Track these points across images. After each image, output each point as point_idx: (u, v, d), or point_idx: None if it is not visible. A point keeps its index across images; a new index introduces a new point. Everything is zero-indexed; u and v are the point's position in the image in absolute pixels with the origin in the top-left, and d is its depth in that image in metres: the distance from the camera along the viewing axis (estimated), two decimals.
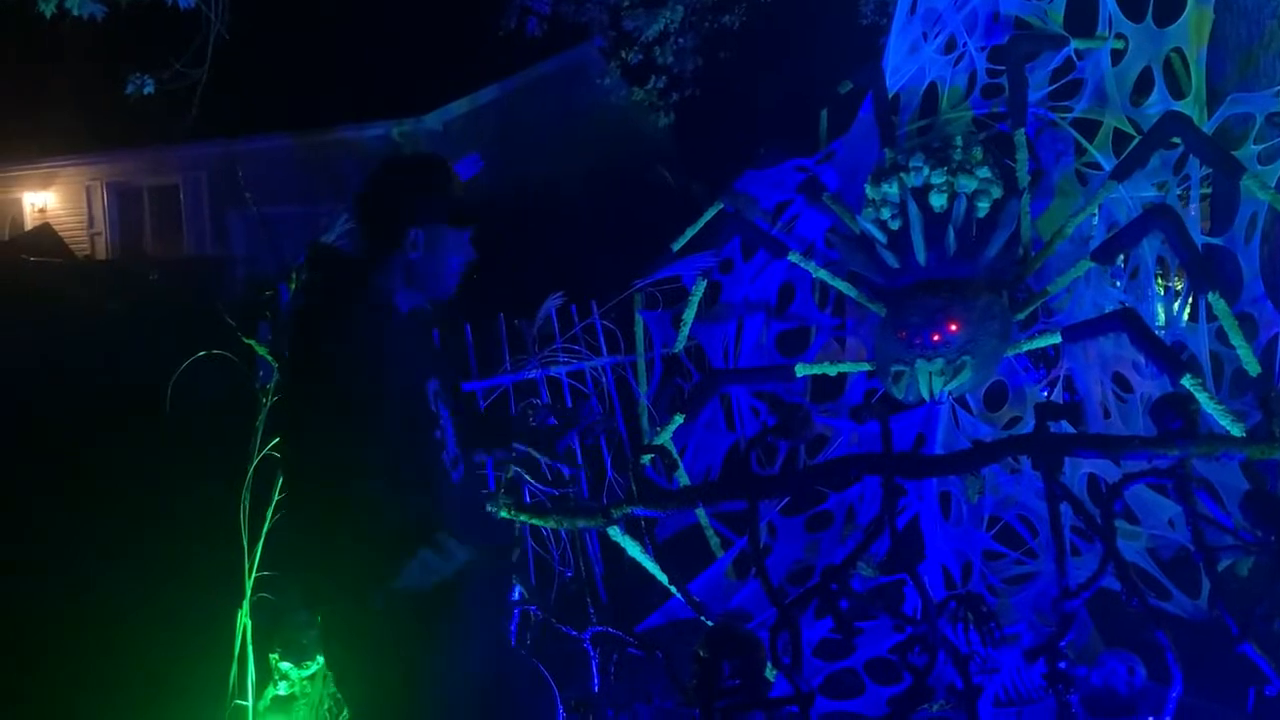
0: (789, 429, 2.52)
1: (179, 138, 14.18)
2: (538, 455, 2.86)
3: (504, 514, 2.91)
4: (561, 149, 14.49)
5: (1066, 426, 4.04)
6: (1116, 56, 4.68)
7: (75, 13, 6.64)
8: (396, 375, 2.46)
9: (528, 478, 3.18)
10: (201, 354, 3.55)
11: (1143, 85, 4.74)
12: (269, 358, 3.39)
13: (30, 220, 17.42)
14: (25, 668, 4.37)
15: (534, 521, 2.96)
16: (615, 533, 3.18)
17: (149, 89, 8.60)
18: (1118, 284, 4.95)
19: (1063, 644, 2.25)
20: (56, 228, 16.30)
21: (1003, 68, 4.64)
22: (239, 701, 3.23)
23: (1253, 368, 3.93)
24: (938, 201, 4.24)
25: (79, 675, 4.25)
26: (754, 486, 2.39)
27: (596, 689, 2.90)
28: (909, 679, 2.36)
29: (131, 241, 17.15)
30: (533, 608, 3.04)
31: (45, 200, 17.73)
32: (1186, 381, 3.68)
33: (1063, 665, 2.23)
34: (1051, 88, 4.75)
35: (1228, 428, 3.61)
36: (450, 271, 2.58)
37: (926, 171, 4.24)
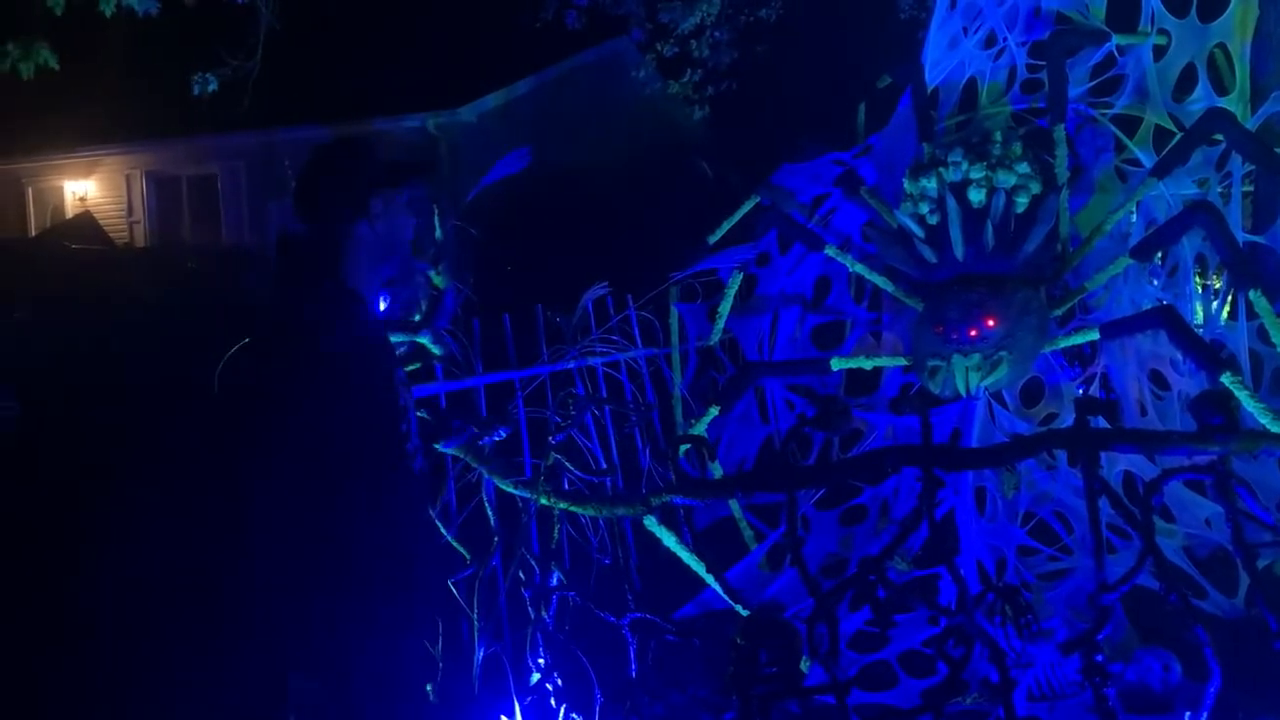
0: (827, 421, 2.54)
1: (218, 127, 14.34)
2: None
3: (544, 500, 2.95)
4: (597, 142, 14.52)
5: (1103, 423, 4.04)
6: (1159, 52, 4.65)
7: (139, 11, 6.78)
8: (374, 363, 2.56)
9: (568, 465, 3.22)
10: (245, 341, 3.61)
11: (1185, 81, 4.71)
12: None
13: (71, 208, 17.68)
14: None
15: (573, 509, 3.00)
16: (651, 522, 3.21)
17: (213, 87, 8.75)
18: (1155, 282, 4.93)
19: (1099, 638, 2.26)
20: (96, 215, 16.52)
21: (1043, 63, 4.62)
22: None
23: None
24: (976, 197, 4.24)
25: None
26: (792, 477, 2.41)
27: (634, 675, 2.94)
28: (944, 671, 2.38)
29: (170, 230, 17.36)
30: (571, 593, 3.09)
31: (86, 188, 17.99)
32: (1226, 379, 3.67)
33: (1099, 659, 2.25)
34: (1092, 83, 4.73)
35: (1268, 425, 3.59)
36: (404, 236, 2.70)
37: (965, 166, 4.24)
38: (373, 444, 2.50)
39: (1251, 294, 3.94)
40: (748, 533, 4.82)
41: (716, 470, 4.72)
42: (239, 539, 2.55)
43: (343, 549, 2.54)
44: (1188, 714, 2.78)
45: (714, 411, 4.54)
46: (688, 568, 3.43)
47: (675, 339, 5.22)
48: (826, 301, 5.20)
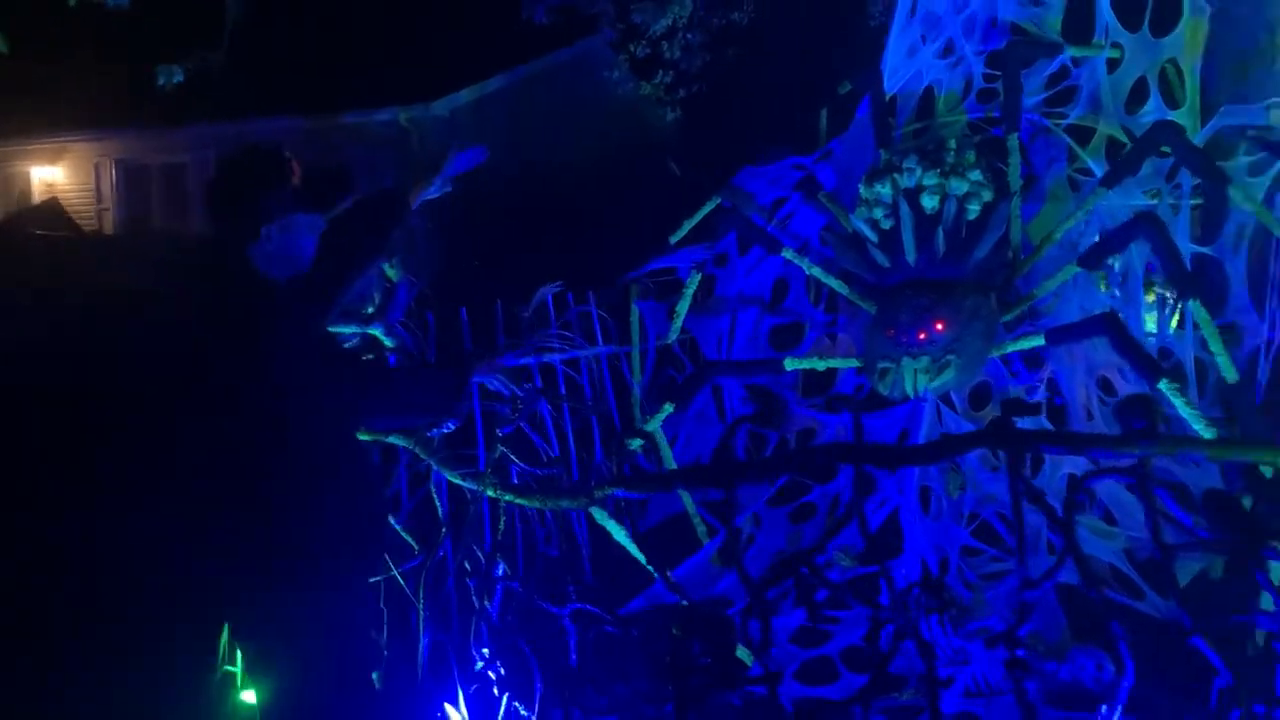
0: (767, 418, 2.60)
1: (189, 117, 14.27)
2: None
3: (490, 493, 3.00)
4: (567, 140, 14.56)
5: (1048, 425, 4.13)
6: (1112, 65, 4.74)
7: (110, 4, 6.76)
8: (297, 361, 2.62)
9: (514, 458, 3.27)
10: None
11: (1138, 94, 4.81)
12: None
13: (38, 195, 17.51)
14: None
15: (519, 501, 3.05)
16: (601, 515, 3.26)
17: (178, 79, 8.73)
18: (1115, 291, 5.02)
19: (1023, 634, 2.33)
20: (64, 203, 16.36)
21: (999, 73, 4.71)
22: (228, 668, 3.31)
23: (1230, 374, 4.00)
24: (929, 203, 4.32)
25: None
26: (730, 472, 2.47)
27: (574, 663, 2.99)
28: (874, 665, 2.45)
29: (139, 219, 17.24)
30: (514, 583, 3.13)
31: (54, 175, 17.82)
32: (1164, 386, 3.76)
33: (1021, 653, 2.32)
34: (1046, 94, 4.82)
35: (1200, 432, 3.68)
36: (304, 252, 2.75)
37: (919, 173, 4.32)
38: (304, 438, 2.56)
39: (1191, 304, 4.03)
40: (701, 528, 4.88)
41: (671, 467, 4.77)
42: (179, 531, 2.58)
43: (280, 540, 2.58)
44: (1103, 708, 2.85)
45: (669, 408, 4.59)
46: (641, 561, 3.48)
47: (635, 337, 5.27)
48: (784, 303, 5.27)
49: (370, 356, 3.33)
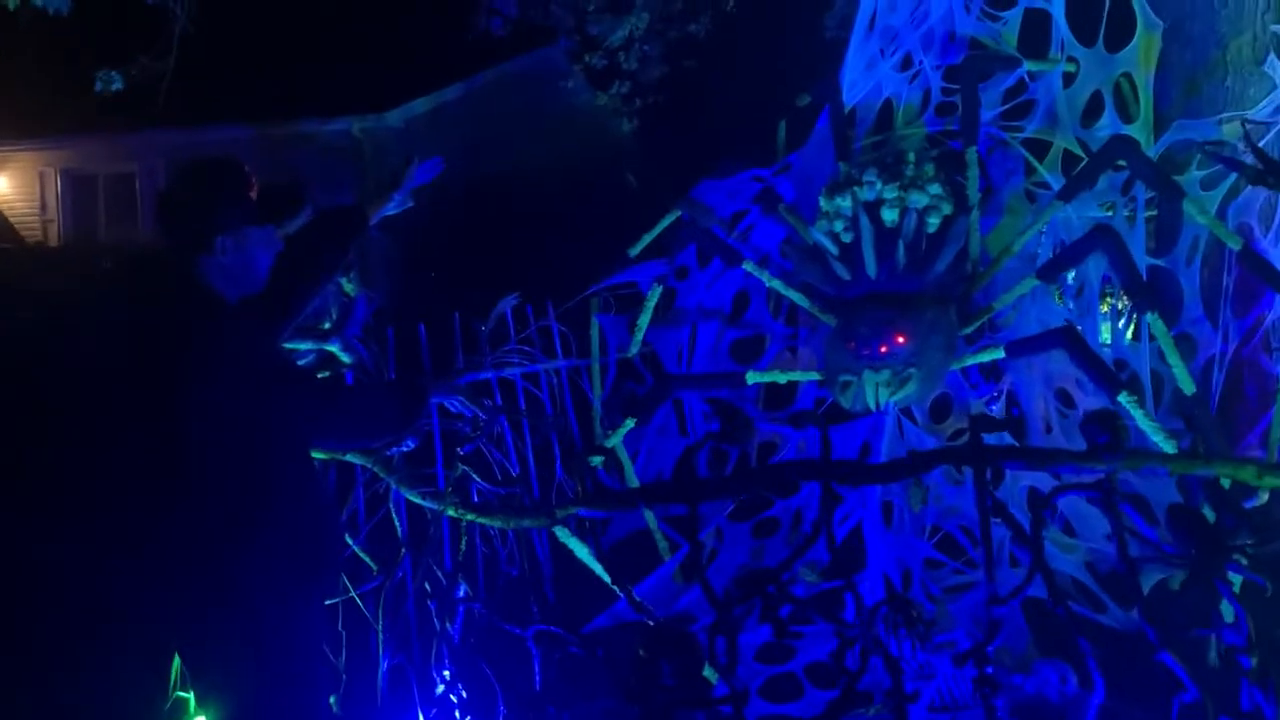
0: (733, 434, 2.57)
1: (137, 125, 14.04)
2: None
3: (451, 512, 2.94)
4: (524, 150, 14.50)
5: (1009, 439, 4.14)
6: (1068, 79, 4.79)
7: (39, 4, 6.59)
8: (243, 375, 2.57)
9: (475, 476, 3.22)
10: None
11: (1093, 108, 4.85)
12: None
13: None
14: None
15: (480, 520, 2.99)
16: (563, 533, 3.22)
17: (117, 85, 8.54)
18: (1069, 303, 5.06)
19: (990, 649, 2.32)
20: (7, 213, 16.05)
21: (957, 87, 4.73)
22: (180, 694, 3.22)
23: (1187, 386, 4.04)
24: (889, 216, 4.32)
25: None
26: (693, 489, 2.44)
27: (538, 687, 2.94)
28: (844, 683, 2.43)
29: (86, 229, 16.92)
30: (476, 604, 3.08)
31: None
32: (1123, 399, 3.78)
33: (989, 670, 2.31)
34: (1004, 108, 4.85)
35: (1160, 445, 3.71)
36: (260, 268, 2.71)
37: (879, 186, 4.32)
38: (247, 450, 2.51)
39: (1149, 316, 4.07)
40: (663, 544, 4.84)
41: (633, 483, 4.74)
42: (119, 551, 2.51)
43: (228, 561, 2.53)
44: None
45: (630, 423, 4.56)
46: (603, 579, 3.44)
47: (595, 350, 5.23)
48: (745, 316, 5.25)
49: (326, 374, 3.26)
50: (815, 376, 4.63)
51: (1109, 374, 3.92)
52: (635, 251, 5.00)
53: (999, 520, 2.29)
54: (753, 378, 4.59)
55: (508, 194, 12.48)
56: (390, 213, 3.09)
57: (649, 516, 4.74)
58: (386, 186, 3.08)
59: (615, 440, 4.48)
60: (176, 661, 2.96)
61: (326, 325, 3.17)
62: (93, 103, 11.60)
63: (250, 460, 2.57)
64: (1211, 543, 2.38)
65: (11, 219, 15.84)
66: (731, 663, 2.31)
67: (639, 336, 4.99)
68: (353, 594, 3.15)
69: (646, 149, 14.03)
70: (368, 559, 3.22)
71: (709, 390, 5.02)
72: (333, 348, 3.10)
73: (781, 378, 4.68)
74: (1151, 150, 4.59)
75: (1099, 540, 4.42)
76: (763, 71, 12.01)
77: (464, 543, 3.12)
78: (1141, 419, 3.72)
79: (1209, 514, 3.25)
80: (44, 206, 17.15)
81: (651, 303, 4.94)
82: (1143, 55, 4.73)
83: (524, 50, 14.83)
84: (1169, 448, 3.69)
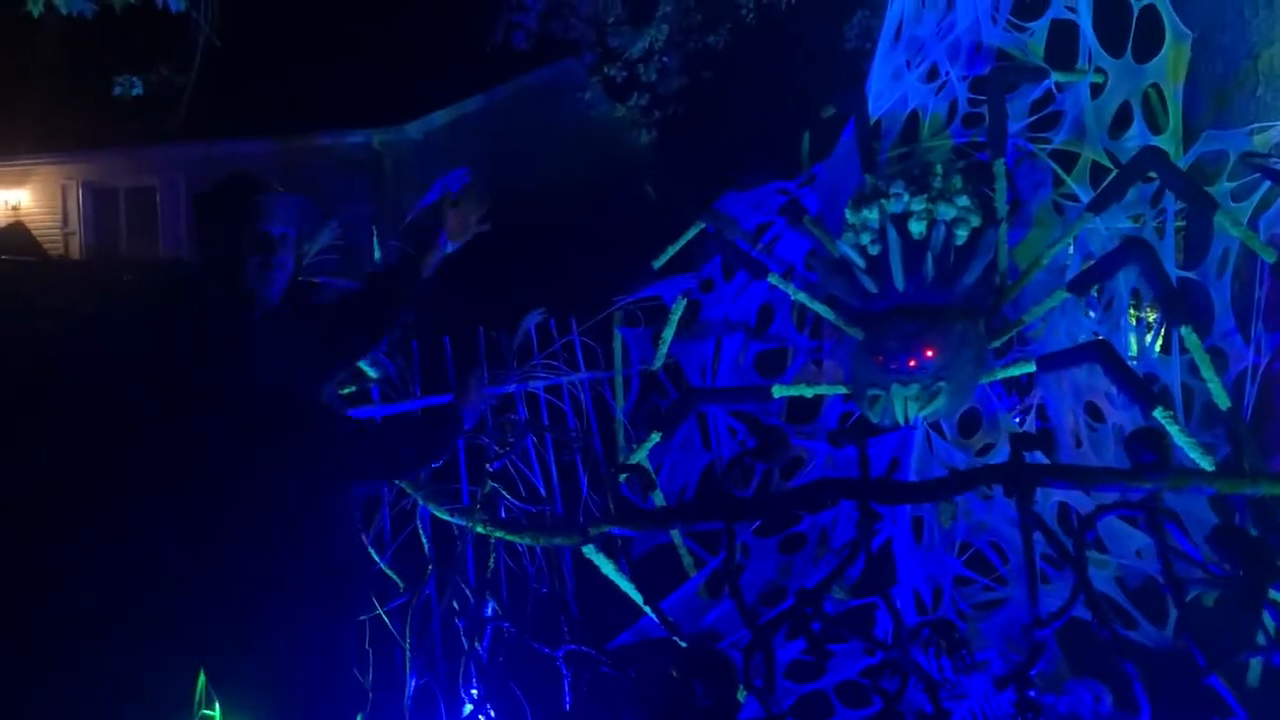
0: (767, 452, 2.54)
1: (158, 139, 14.11)
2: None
3: (480, 529, 2.91)
4: (543, 162, 14.51)
5: (1040, 456, 4.09)
6: (1096, 90, 4.75)
7: (64, 11, 6.59)
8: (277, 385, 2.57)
9: (504, 493, 3.18)
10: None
11: (1121, 119, 4.81)
12: None
13: (3, 218, 17.25)
14: None
15: (509, 538, 2.96)
16: (590, 551, 3.19)
17: (137, 90, 8.55)
18: (1092, 314, 5.01)
19: (1032, 673, 2.27)
20: (30, 226, 16.14)
21: (984, 98, 4.69)
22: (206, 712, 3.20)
23: (1222, 401, 3.98)
24: (917, 228, 4.28)
25: None
26: (731, 509, 2.40)
27: (568, 707, 2.90)
28: (879, 703, 2.38)
29: (106, 242, 17.01)
30: (505, 623, 3.04)
31: (19, 198, 17.58)
32: (1158, 414, 3.73)
33: (1032, 694, 2.25)
34: (1031, 119, 4.81)
35: (1197, 460, 3.65)
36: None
37: (906, 198, 4.28)
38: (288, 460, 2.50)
39: (1183, 330, 4.01)
40: (687, 559, 4.80)
41: (658, 498, 4.70)
42: (147, 566, 2.49)
43: (255, 582, 2.51)
44: None
45: (656, 437, 4.53)
46: (625, 594, 3.41)
47: (619, 363, 5.20)
48: (769, 329, 5.22)
49: (353, 388, 3.24)
50: (842, 390, 4.59)
51: (1144, 389, 3.87)
52: (659, 264, 4.98)
53: (1046, 541, 2.24)
54: (778, 391, 4.55)
55: (529, 206, 12.46)
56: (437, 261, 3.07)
57: (674, 532, 4.70)
58: (432, 236, 3.05)
59: (640, 455, 4.45)
60: (201, 679, 2.94)
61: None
62: (113, 116, 11.65)
63: (281, 482, 2.55)
64: (1260, 563, 2.33)
65: (35, 231, 15.93)
66: (769, 684, 2.27)
67: (663, 349, 4.96)
68: (379, 611, 3.12)
69: (665, 161, 14.00)
70: (394, 576, 3.19)
71: (734, 404, 4.98)
72: (360, 363, 3.08)
73: (808, 391, 4.63)
74: (1181, 161, 4.54)
75: (1129, 556, 4.36)
76: (782, 83, 11.99)
77: (492, 559, 3.08)
78: (1177, 434, 3.66)
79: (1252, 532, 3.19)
80: (66, 219, 17.27)
81: (676, 316, 4.91)
82: (1172, 66, 4.68)
83: (543, 63, 14.84)
84: (1206, 463, 3.63)
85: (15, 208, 17.46)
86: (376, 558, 3.19)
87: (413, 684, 3.14)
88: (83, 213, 17.24)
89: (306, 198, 2.95)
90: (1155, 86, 4.75)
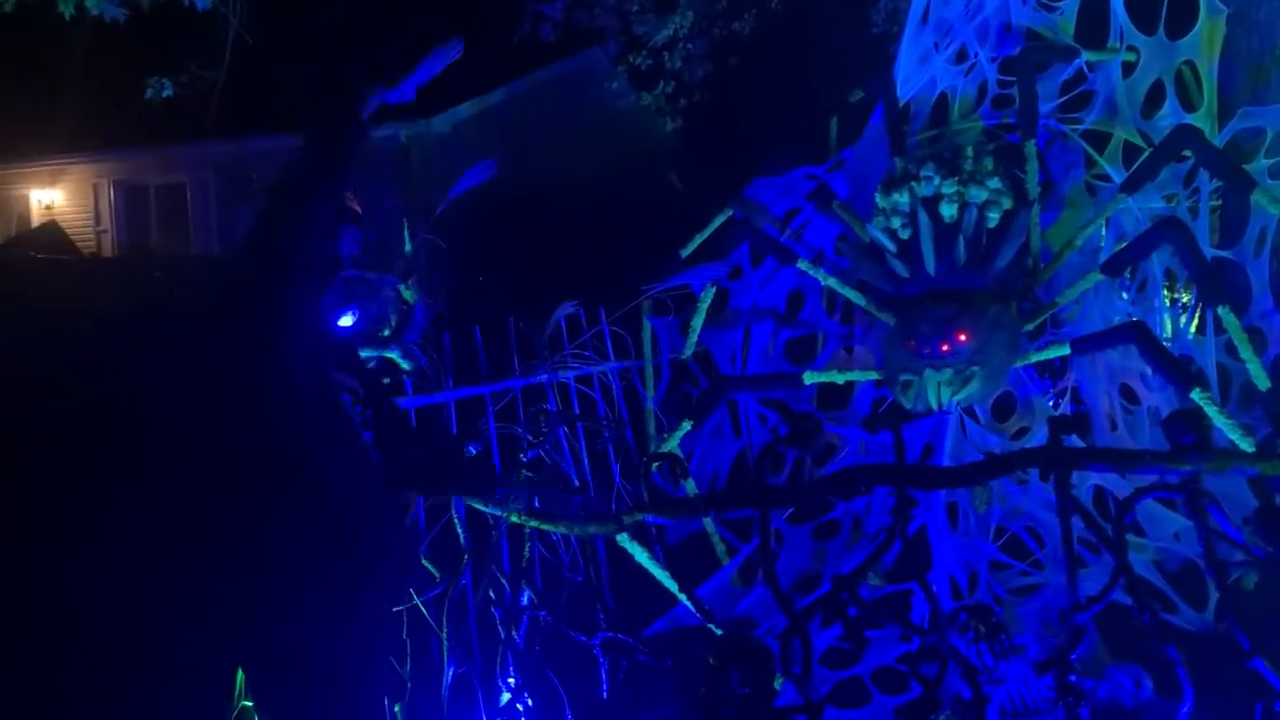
0: (801, 439, 2.53)
1: (187, 136, 14.20)
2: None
3: (514, 519, 2.92)
4: (570, 152, 14.49)
5: (1076, 440, 4.05)
6: (1128, 69, 4.69)
7: (94, 13, 6.63)
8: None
9: (539, 482, 3.19)
10: None
11: (1154, 98, 4.75)
12: None
13: (37, 217, 17.45)
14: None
15: (544, 527, 2.97)
16: (624, 539, 3.19)
17: (168, 92, 8.61)
18: (1125, 296, 4.95)
19: (1073, 657, 2.26)
20: (63, 225, 16.30)
21: (1013, 79, 4.65)
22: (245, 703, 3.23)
23: (1262, 382, 3.93)
24: (948, 211, 4.25)
25: None
26: (766, 496, 2.39)
27: (605, 695, 2.91)
28: (917, 689, 2.37)
29: (138, 240, 17.18)
30: (541, 612, 3.05)
31: (52, 197, 17.77)
32: (1196, 395, 3.68)
33: (1072, 678, 2.24)
34: (1062, 99, 4.76)
35: (1236, 442, 3.61)
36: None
37: (937, 181, 4.25)
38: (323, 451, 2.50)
39: (1220, 310, 3.96)
40: (720, 547, 4.80)
41: (689, 486, 4.70)
42: (188, 558, 2.51)
43: (295, 569, 2.52)
44: None
45: (687, 426, 4.52)
46: (658, 581, 3.41)
47: (648, 352, 5.19)
48: (799, 315, 5.20)
49: (387, 380, 3.25)
50: (874, 376, 4.57)
51: (1181, 370, 3.83)
52: (687, 252, 4.97)
53: (1087, 526, 2.22)
54: (809, 378, 4.54)
55: (555, 196, 12.47)
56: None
57: (706, 520, 4.70)
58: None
59: (672, 444, 4.45)
60: (240, 673, 2.97)
61: (386, 333, 3.16)
62: (142, 114, 11.75)
63: (328, 478, 2.56)
64: None
65: (67, 230, 16.09)
66: (806, 671, 2.26)
67: (693, 338, 4.96)
68: (416, 601, 3.14)
69: (691, 149, 13.96)
70: (430, 566, 3.21)
71: (764, 391, 4.97)
72: (392, 354, 3.09)
73: (839, 378, 4.62)
74: (1216, 139, 4.47)
75: (1168, 540, 4.32)
76: (809, 68, 11.91)
77: (526, 549, 3.09)
78: (1215, 415, 3.62)
79: None
80: (98, 218, 17.45)
81: (705, 304, 4.90)
82: (1206, 42, 4.61)
83: (568, 54, 14.81)
84: (1246, 445, 3.59)
85: (49, 207, 17.65)
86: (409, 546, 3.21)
87: (450, 673, 3.16)
88: (114, 211, 17.41)
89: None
90: (1189, 63, 4.68)
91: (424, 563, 3.20)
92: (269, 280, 2.64)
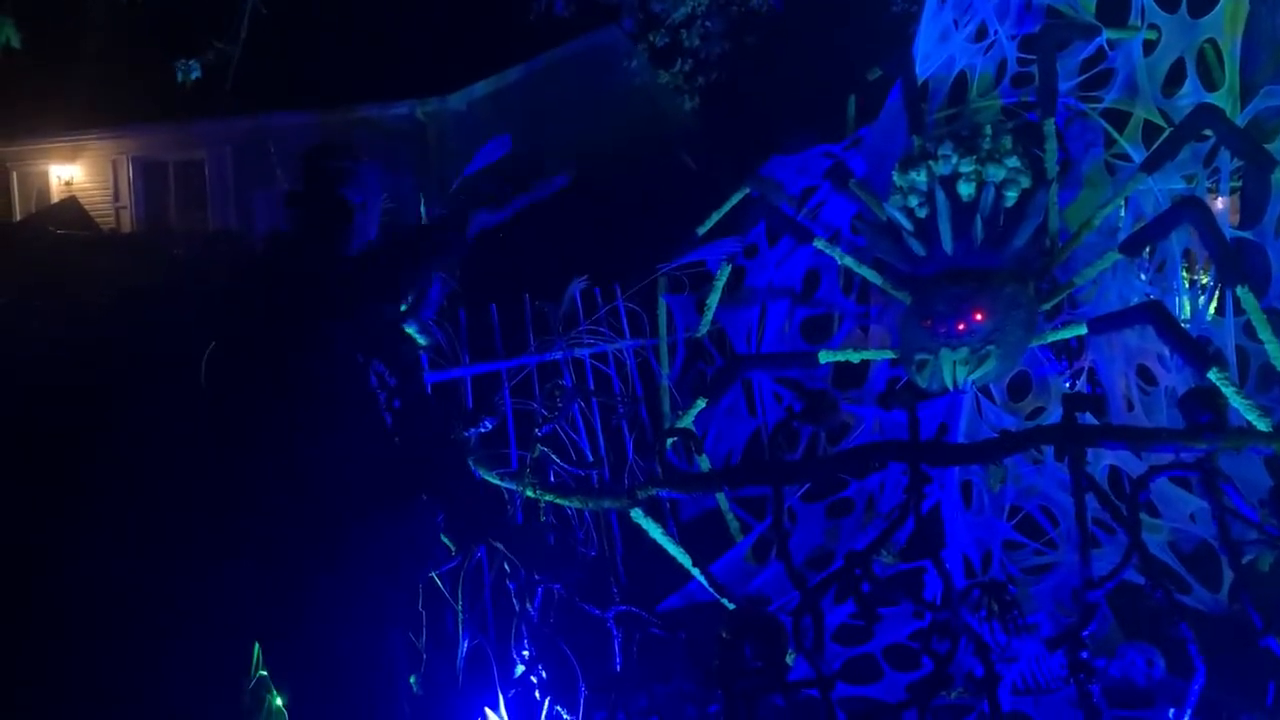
0: (815, 415, 2.53)
1: (205, 113, 14.23)
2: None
3: (529, 493, 2.94)
4: (586, 130, 14.46)
5: (1091, 418, 4.04)
6: (1149, 47, 4.65)
7: None
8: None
9: (554, 458, 3.21)
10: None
11: (1175, 76, 4.71)
12: None
13: (56, 193, 17.53)
14: None
15: (559, 501, 2.99)
16: (638, 514, 3.20)
17: (195, 74, 8.64)
18: (1143, 276, 4.93)
19: (1085, 634, 2.26)
20: (83, 200, 16.39)
21: (1033, 57, 4.62)
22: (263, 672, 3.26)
23: None
24: (966, 190, 4.23)
25: None
26: (779, 472, 2.40)
27: (619, 668, 2.93)
28: (929, 665, 2.39)
29: (156, 216, 17.25)
30: (556, 585, 3.07)
31: (72, 173, 17.84)
32: (1213, 375, 3.67)
33: (1084, 655, 2.25)
34: (1082, 78, 4.72)
35: (1253, 422, 3.60)
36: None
37: (955, 160, 4.23)
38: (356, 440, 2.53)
39: (1239, 290, 3.94)
40: (734, 524, 4.82)
41: (704, 463, 4.71)
42: (221, 528, 2.54)
43: (313, 543, 2.55)
44: (1171, 710, 2.78)
45: (701, 403, 4.53)
46: (671, 558, 3.42)
47: (663, 330, 5.20)
48: (815, 294, 5.19)
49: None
50: (889, 355, 4.57)
51: (1198, 350, 3.81)
52: (704, 230, 4.97)
53: (1100, 504, 2.23)
54: (825, 357, 4.54)
55: (573, 174, 12.42)
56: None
57: (720, 497, 4.72)
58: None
59: (687, 421, 4.46)
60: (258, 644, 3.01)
61: (403, 308, 3.17)
62: (162, 91, 11.77)
63: (353, 449, 2.58)
64: None
65: (86, 206, 16.17)
66: (818, 646, 2.28)
67: (708, 316, 4.96)
68: (432, 575, 3.16)
69: (709, 127, 13.91)
70: (446, 540, 3.23)
71: (780, 370, 4.97)
72: (410, 330, 3.10)
73: (855, 357, 4.62)
74: (1238, 119, 4.44)
75: (1183, 520, 4.32)
76: (827, 46, 11.85)
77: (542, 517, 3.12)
78: (1233, 396, 3.61)
79: None
80: (117, 194, 17.52)
81: (721, 282, 4.90)
82: (1229, 20, 4.57)
83: (585, 31, 14.77)
84: (1263, 425, 3.58)
85: (68, 183, 17.73)
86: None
87: (465, 645, 3.19)
88: (133, 187, 17.48)
89: (381, 166, 3.02)
90: (1211, 42, 4.64)
91: (442, 538, 3.22)
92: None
